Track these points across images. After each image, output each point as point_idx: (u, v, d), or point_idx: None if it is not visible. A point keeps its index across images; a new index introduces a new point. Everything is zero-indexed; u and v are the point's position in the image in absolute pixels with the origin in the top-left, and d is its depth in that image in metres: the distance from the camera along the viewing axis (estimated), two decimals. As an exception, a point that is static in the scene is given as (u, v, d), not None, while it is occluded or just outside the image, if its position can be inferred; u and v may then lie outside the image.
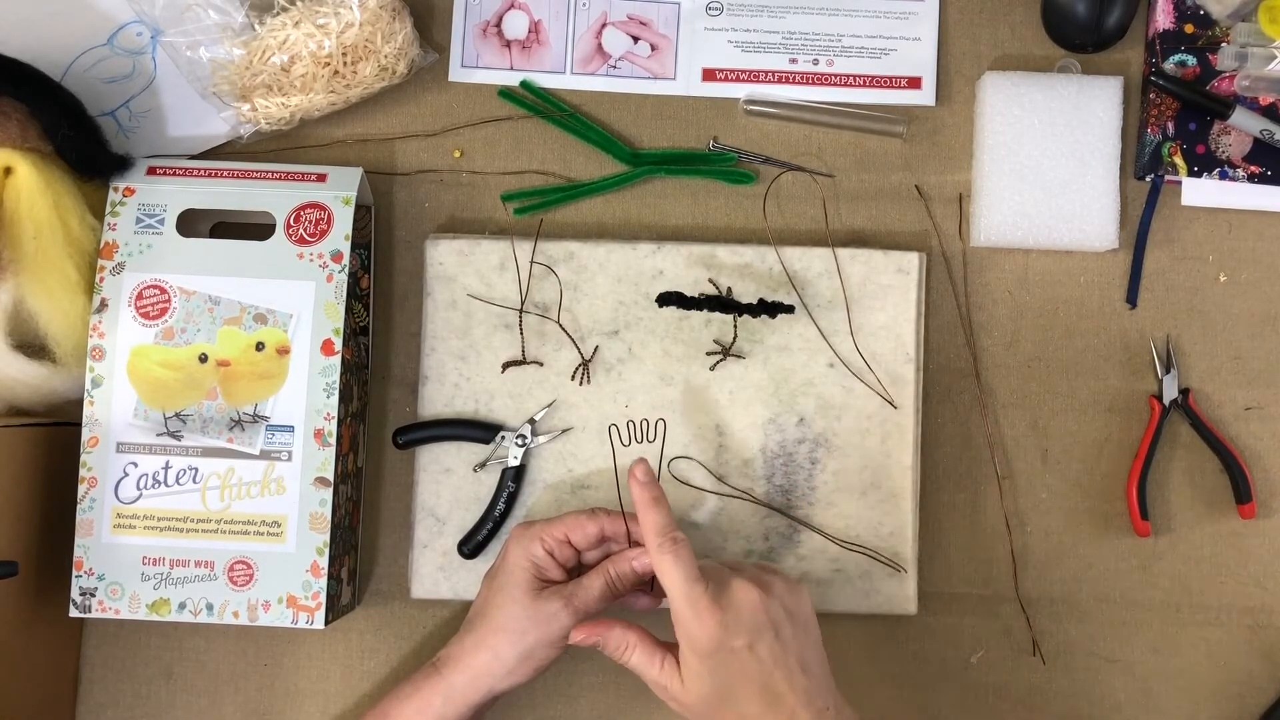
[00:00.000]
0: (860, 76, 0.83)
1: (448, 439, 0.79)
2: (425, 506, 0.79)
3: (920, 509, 0.79)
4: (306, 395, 0.72)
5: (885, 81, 0.83)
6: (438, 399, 0.79)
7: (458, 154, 0.83)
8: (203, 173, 0.76)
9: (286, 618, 0.71)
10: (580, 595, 0.70)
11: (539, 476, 0.79)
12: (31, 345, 0.73)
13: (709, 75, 0.83)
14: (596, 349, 0.79)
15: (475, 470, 0.79)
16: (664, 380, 0.79)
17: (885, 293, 0.80)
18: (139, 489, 0.72)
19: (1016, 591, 0.81)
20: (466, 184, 0.83)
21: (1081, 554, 0.81)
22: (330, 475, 0.72)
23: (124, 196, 0.75)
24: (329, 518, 0.72)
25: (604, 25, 0.83)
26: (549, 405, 0.79)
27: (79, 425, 0.72)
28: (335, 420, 0.72)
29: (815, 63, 0.83)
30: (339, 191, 0.75)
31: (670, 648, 0.67)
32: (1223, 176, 0.81)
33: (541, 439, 0.78)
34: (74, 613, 0.71)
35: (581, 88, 0.83)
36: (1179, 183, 0.82)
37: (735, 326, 0.79)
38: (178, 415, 0.72)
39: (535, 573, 0.71)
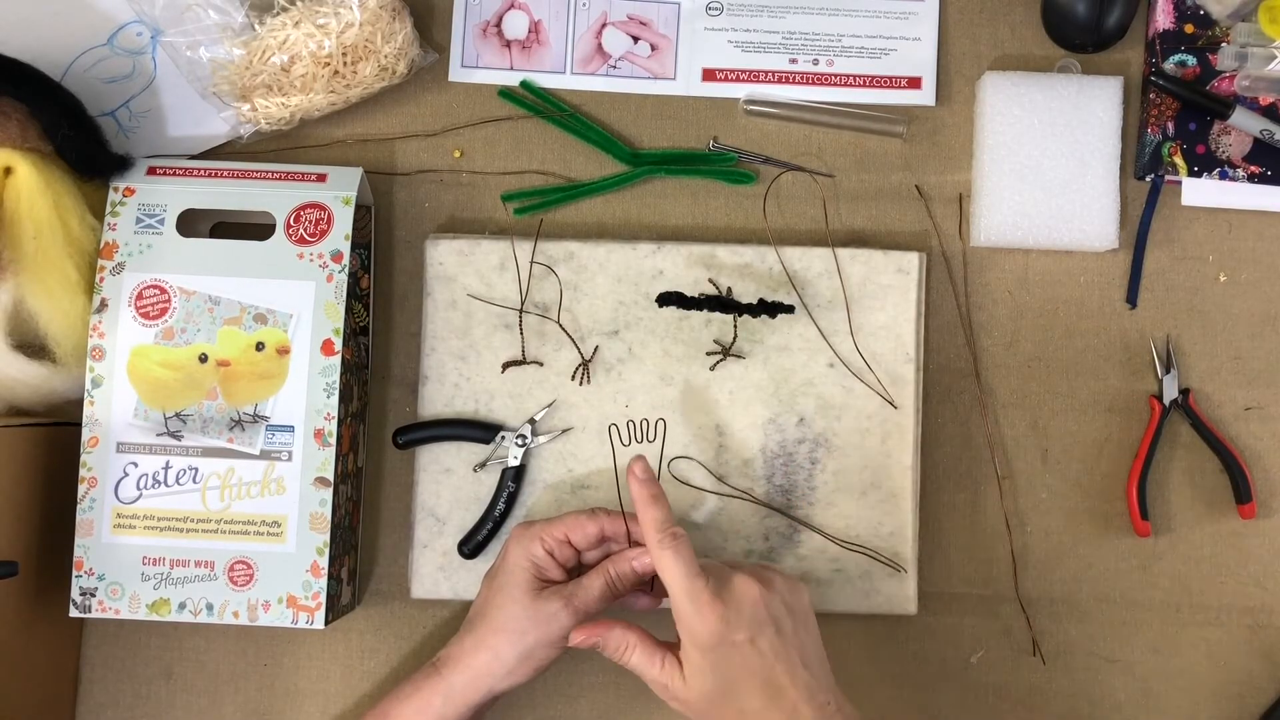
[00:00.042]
0: (860, 76, 0.83)
1: (448, 439, 0.79)
2: (425, 506, 0.79)
3: (920, 509, 0.79)
4: (306, 395, 0.72)
5: (885, 81, 0.83)
6: (438, 399, 0.79)
7: (458, 154, 0.83)
8: (203, 173, 0.76)
9: (286, 618, 0.71)
10: (580, 595, 0.70)
11: (539, 476, 0.79)
12: (31, 345, 0.73)
13: (709, 75, 0.83)
14: (596, 349, 0.79)
15: (475, 470, 0.79)
16: (664, 380, 0.79)
17: (885, 293, 0.79)
18: (139, 489, 0.72)
19: (1016, 591, 0.81)
20: (466, 184, 0.83)
21: (1081, 554, 0.81)
22: (330, 475, 0.72)
23: (124, 196, 0.75)
24: (329, 518, 0.72)
25: (604, 25, 0.83)
26: (549, 405, 0.79)
27: (79, 425, 0.72)
28: (335, 420, 0.72)
29: (815, 63, 0.83)
30: (339, 191, 0.75)
31: (670, 647, 0.67)
32: (1223, 176, 0.81)
33: (541, 439, 0.78)
34: (74, 613, 0.71)
35: (581, 88, 0.83)
36: (1179, 183, 0.82)
37: (735, 326, 0.79)
38: (178, 415, 0.72)
39: (535, 573, 0.71)
